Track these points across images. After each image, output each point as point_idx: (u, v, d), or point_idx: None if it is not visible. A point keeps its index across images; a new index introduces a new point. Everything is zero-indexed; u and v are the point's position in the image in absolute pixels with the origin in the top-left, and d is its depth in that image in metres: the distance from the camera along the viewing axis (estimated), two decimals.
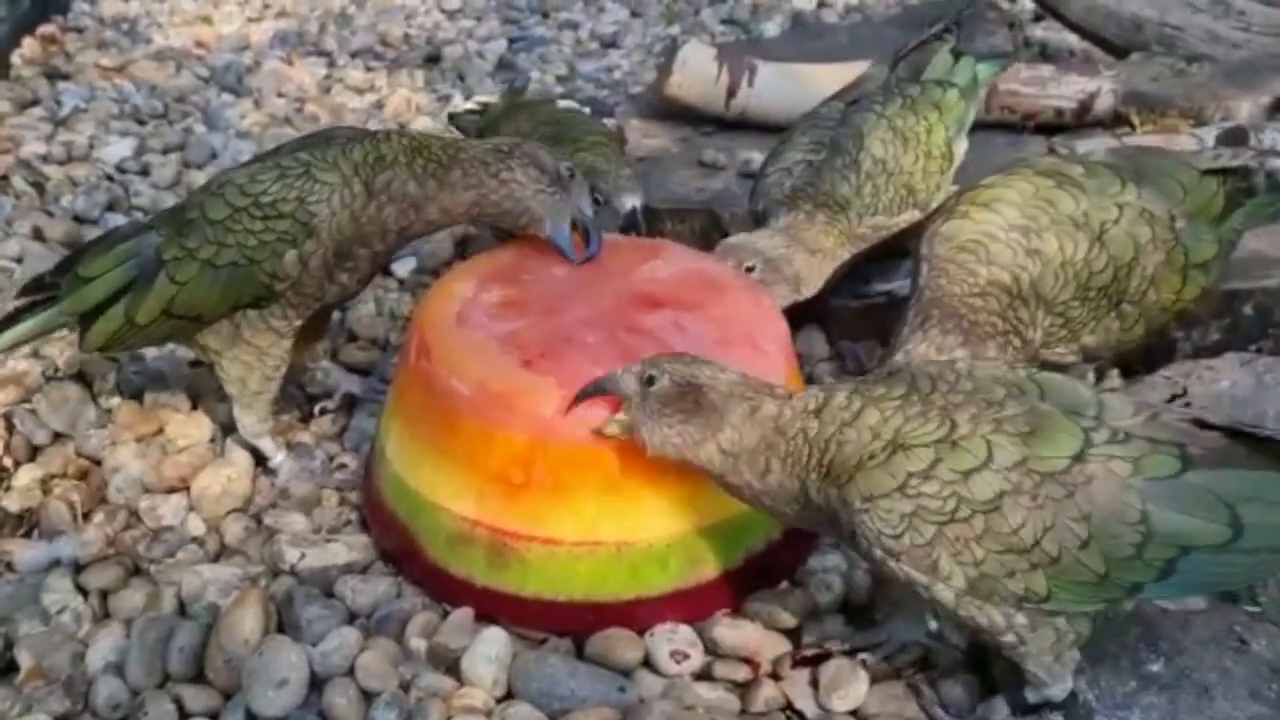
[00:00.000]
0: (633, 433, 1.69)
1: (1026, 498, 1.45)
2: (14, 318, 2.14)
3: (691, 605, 1.85)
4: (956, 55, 2.61)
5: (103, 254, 2.08)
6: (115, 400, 2.39)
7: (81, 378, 2.42)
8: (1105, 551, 1.45)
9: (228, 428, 2.28)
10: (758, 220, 2.50)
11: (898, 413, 1.55)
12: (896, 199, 2.39)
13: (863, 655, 1.77)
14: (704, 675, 1.78)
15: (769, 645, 1.82)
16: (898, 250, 2.46)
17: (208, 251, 2.00)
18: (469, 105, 3.33)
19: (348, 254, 2.06)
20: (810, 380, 2.45)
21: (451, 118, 3.37)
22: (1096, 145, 2.82)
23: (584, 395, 1.73)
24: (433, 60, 4.69)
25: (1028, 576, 1.47)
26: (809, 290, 2.39)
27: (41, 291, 2.15)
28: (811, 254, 2.36)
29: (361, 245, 2.06)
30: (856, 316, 2.60)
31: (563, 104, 3.36)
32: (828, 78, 3.12)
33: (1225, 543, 1.45)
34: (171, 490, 2.17)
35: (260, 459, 2.24)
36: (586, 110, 3.37)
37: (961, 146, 2.57)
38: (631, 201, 2.49)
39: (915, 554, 1.50)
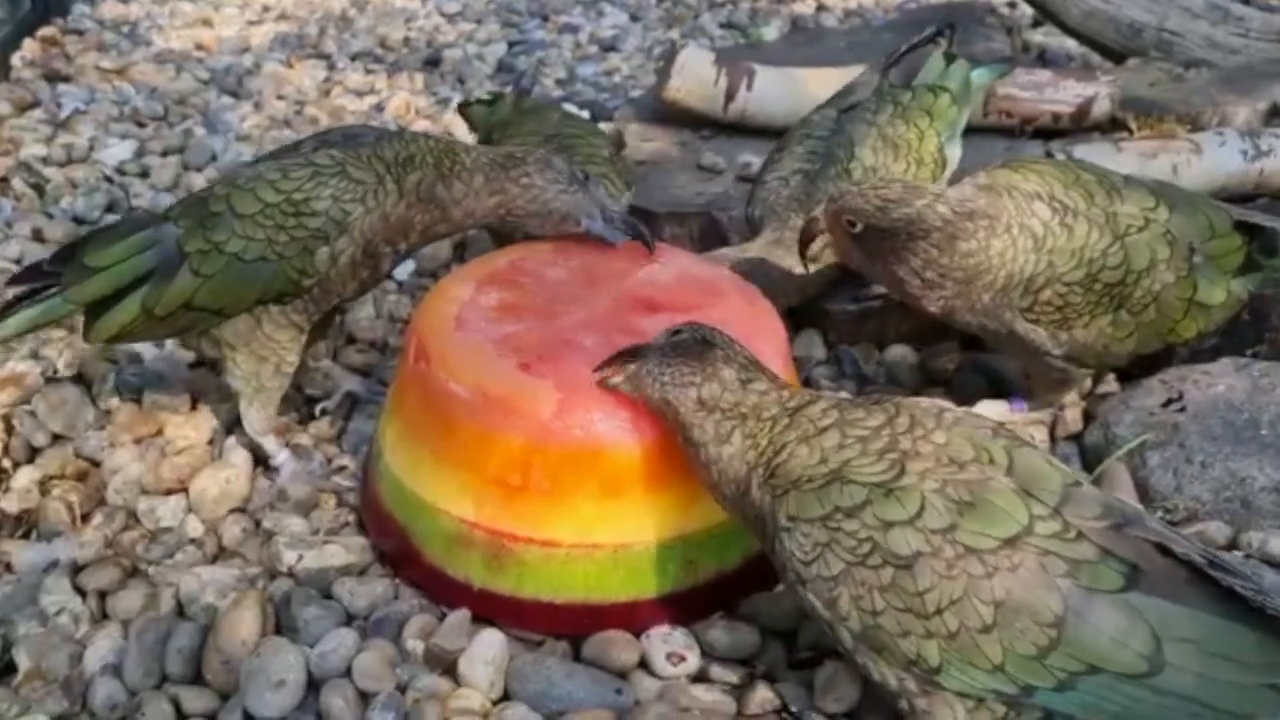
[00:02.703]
0: (635, 379, 1.72)
1: (942, 564, 1.41)
2: (12, 306, 2.08)
3: (688, 608, 1.86)
4: (949, 59, 2.61)
5: (113, 244, 2.04)
6: (114, 402, 2.39)
7: (80, 379, 2.43)
8: (1006, 643, 1.40)
9: (227, 429, 2.29)
10: (753, 226, 2.51)
11: (857, 444, 1.53)
12: None
13: None
14: (700, 677, 1.79)
15: (764, 648, 1.83)
16: None
17: (236, 245, 1.99)
18: (481, 96, 3.33)
19: (374, 252, 2.08)
20: (808, 383, 2.46)
21: (462, 106, 3.37)
22: (1094, 150, 2.83)
23: (614, 358, 1.76)
24: (432, 63, 4.70)
25: (921, 643, 1.43)
26: (793, 298, 2.41)
27: (39, 279, 2.09)
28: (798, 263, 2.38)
29: (387, 244, 2.08)
30: (853, 320, 2.61)
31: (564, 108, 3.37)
32: (826, 82, 3.13)
33: (1138, 675, 1.38)
34: (170, 492, 2.18)
35: (260, 460, 2.24)
36: (586, 114, 3.37)
37: (955, 152, 2.58)
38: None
39: (819, 586, 1.48)
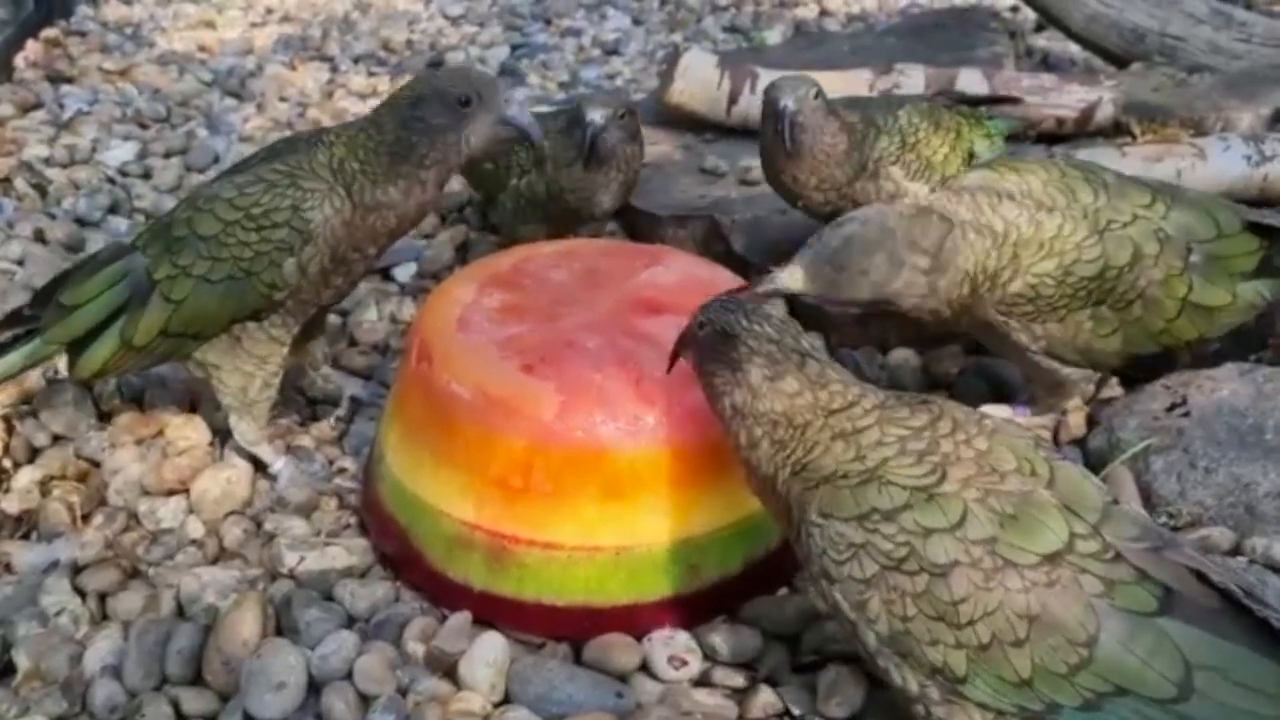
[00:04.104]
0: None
1: (980, 575, 1.40)
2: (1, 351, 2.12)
3: (690, 611, 1.85)
4: (991, 115, 2.73)
5: (86, 280, 2.06)
6: (115, 403, 2.39)
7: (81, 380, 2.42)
8: (1037, 659, 1.38)
9: (227, 431, 2.28)
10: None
11: (897, 444, 1.51)
12: (917, 163, 2.45)
13: None
14: (702, 681, 1.78)
15: (767, 651, 1.82)
16: None
17: (202, 267, 1.99)
18: None
19: (343, 258, 2.06)
20: None
21: None
22: (1098, 154, 2.83)
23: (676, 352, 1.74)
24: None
25: (949, 652, 1.41)
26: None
27: (20, 324, 2.13)
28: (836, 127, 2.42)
29: (354, 250, 2.06)
30: (856, 324, 2.60)
31: None
32: (829, 86, 3.12)
33: (1165, 700, 1.37)
34: (171, 493, 2.17)
35: (259, 465, 2.24)
36: None
37: None
38: (594, 114, 2.49)
39: (849, 586, 1.46)
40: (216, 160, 3.65)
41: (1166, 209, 2.05)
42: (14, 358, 2.11)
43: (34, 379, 2.39)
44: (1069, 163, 2.15)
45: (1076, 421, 2.33)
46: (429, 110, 1.99)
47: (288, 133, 3.84)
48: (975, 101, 2.78)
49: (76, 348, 2.07)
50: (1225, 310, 2.09)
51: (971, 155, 2.54)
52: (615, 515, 1.80)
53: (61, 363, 2.41)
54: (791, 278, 1.94)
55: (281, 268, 1.99)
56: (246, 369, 2.12)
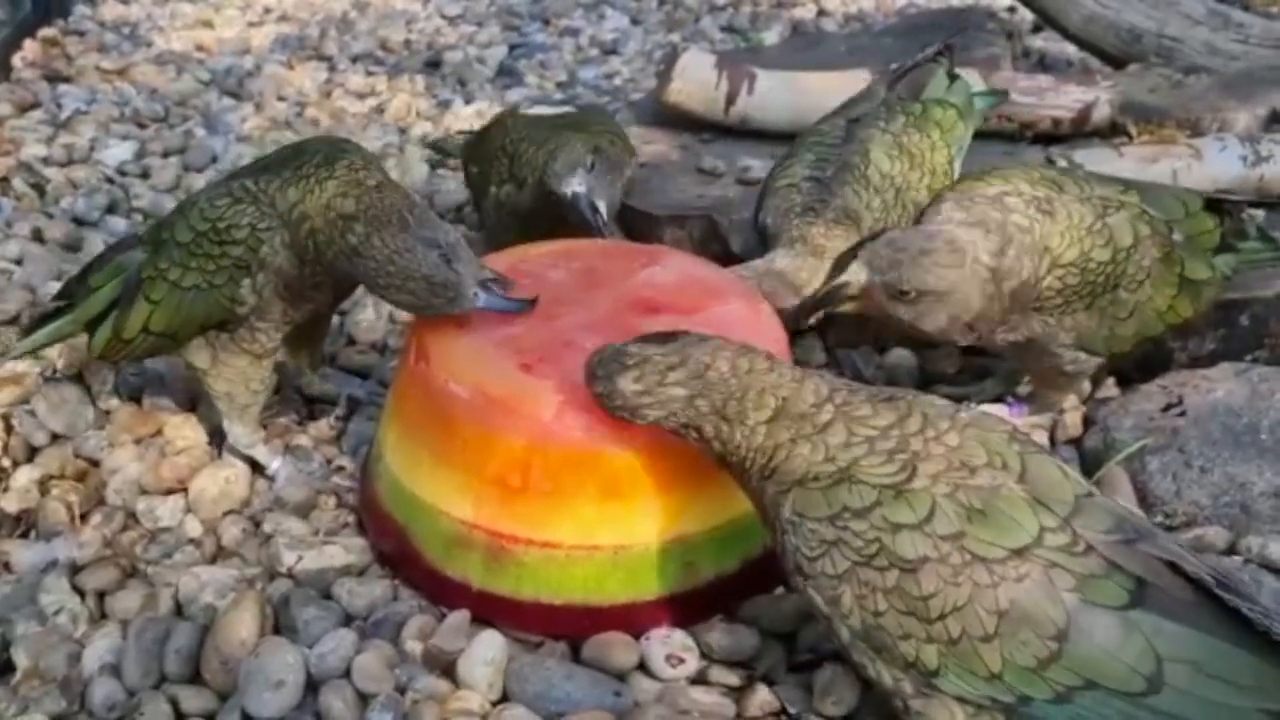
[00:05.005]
0: None
1: (948, 570, 1.40)
2: (40, 323, 2.22)
3: (688, 610, 1.86)
4: (951, 78, 2.64)
5: (106, 264, 2.13)
6: (114, 402, 2.39)
7: (80, 379, 2.43)
8: (1006, 653, 1.39)
9: (225, 431, 2.29)
10: (762, 235, 2.49)
11: (865, 444, 1.51)
12: (904, 215, 2.40)
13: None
14: (699, 680, 1.79)
15: (764, 650, 1.82)
16: None
17: (175, 273, 2.01)
18: (459, 129, 3.39)
19: (298, 292, 2.04)
20: None
21: (434, 146, 3.46)
22: (1094, 155, 2.83)
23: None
24: (433, 65, 4.70)
25: (921, 646, 1.42)
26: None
27: (67, 298, 2.22)
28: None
29: (310, 288, 2.05)
30: (854, 324, 2.61)
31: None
32: (828, 85, 3.14)
33: (1135, 694, 1.37)
34: (169, 492, 2.17)
35: (257, 464, 2.24)
36: None
37: (959, 168, 2.59)
38: (571, 187, 2.46)
39: (822, 582, 1.48)
40: (214, 160, 3.65)
41: (1141, 195, 2.11)
42: (47, 330, 2.21)
43: (34, 377, 2.40)
44: (1038, 166, 2.18)
45: (1073, 421, 2.34)
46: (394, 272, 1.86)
47: (287, 133, 3.86)
48: (933, 58, 2.69)
49: (92, 329, 2.14)
50: (1209, 284, 2.16)
51: (950, 159, 2.51)
52: (613, 514, 1.80)
53: (60, 361, 2.45)
54: (854, 275, 1.96)
55: (239, 285, 1.99)
56: (229, 376, 2.13)
